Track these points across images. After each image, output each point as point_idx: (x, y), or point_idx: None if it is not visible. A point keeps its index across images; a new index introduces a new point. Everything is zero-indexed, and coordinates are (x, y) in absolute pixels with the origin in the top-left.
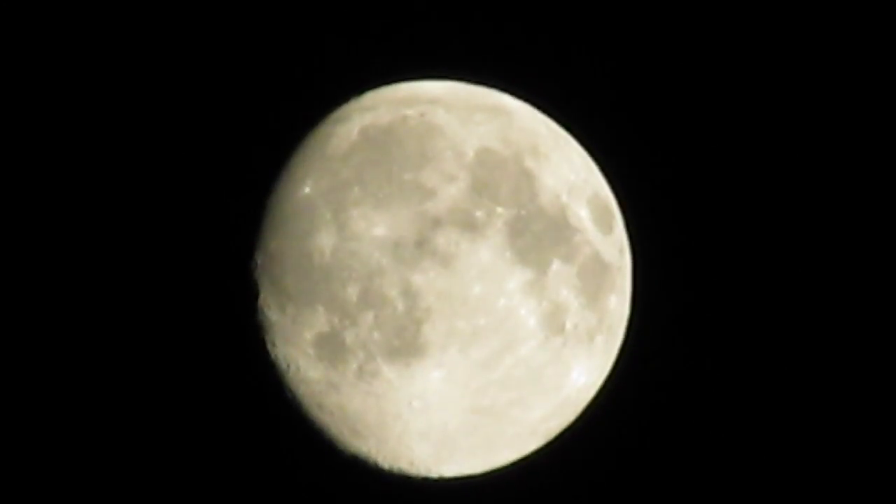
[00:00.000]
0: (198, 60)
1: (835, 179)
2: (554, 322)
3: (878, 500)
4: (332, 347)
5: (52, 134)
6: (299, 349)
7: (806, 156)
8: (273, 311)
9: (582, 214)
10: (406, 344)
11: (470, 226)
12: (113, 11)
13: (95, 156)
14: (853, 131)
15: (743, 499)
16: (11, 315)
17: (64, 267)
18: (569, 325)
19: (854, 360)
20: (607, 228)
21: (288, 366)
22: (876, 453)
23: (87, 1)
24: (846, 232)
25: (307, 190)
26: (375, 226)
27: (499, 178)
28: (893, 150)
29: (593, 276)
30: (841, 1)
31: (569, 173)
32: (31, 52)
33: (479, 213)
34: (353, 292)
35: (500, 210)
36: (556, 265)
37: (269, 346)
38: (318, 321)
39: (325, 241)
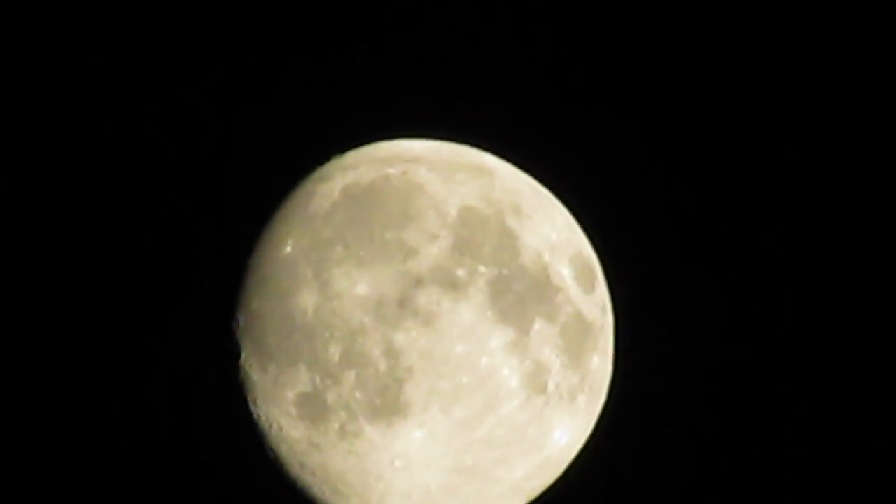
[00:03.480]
0: (180, 121)
1: (813, 228)
2: (536, 381)
3: None
4: (314, 407)
5: (40, 179)
6: (281, 409)
7: (788, 213)
8: (255, 371)
9: (564, 273)
10: (388, 403)
11: (452, 285)
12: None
13: (83, 221)
14: (838, 180)
15: None
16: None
17: (48, 324)
18: (551, 385)
19: (855, 402)
20: (589, 287)
21: (270, 425)
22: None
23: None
24: (835, 285)
25: (289, 249)
26: (357, 285)
27: (481, 237)
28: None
29: (575, 335)
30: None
31: (551, 232)
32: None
33: (461, 272)
34: (335, 352)
35: (482, 269)
36: (538, 324)
37: (251, 406)
38: (300, 381)
39: (307, 300)
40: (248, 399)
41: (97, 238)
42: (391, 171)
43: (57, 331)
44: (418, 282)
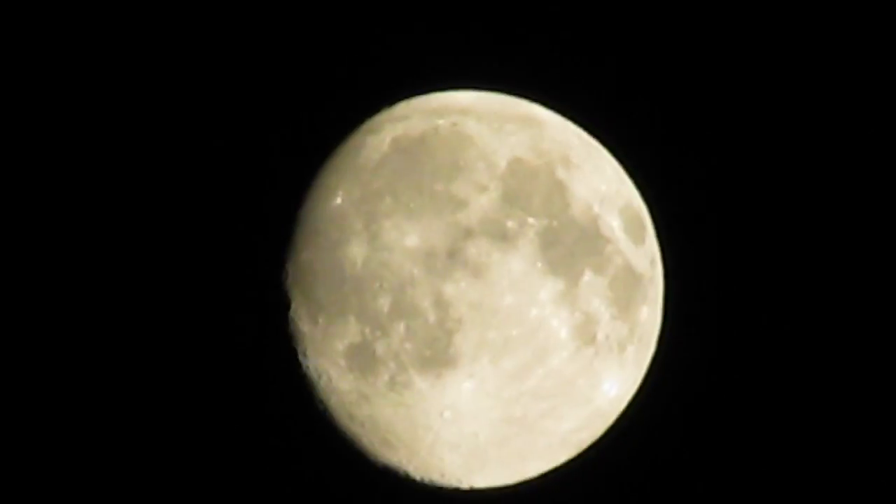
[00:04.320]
0: (233, 73)
1: (870, 183)
2: (585, 333)
3: None
4: (363, 358)
5: (85, 151)
6: (331, 360)
7: (842, 164)
8: (304, 322)
9: (613, 225)
10: (437, 354)
11: (502, 236)
12: (152, 22)
13: (127, 172)
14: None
15: None
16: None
17: (96, 281)
18: (600, 336)
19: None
20: (639, 239)
21: (319, 376)
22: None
23: (120, 11)
24: (884, 237)
25: (339, 200)
26: (407, 236)
27: (530, 188)
28: None
29: (625, 286)
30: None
31: (600, 184)
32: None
33: (510, 224)
34: (384, 303)
35: (531, 220)
36: (587, 276)
37: (300, 357)
38: (350, 332)
39: (356, 251)
40: (298, 350)
41: (151, 187)
42: (441, 122)
43: (109, 277)
44: (468, 233)
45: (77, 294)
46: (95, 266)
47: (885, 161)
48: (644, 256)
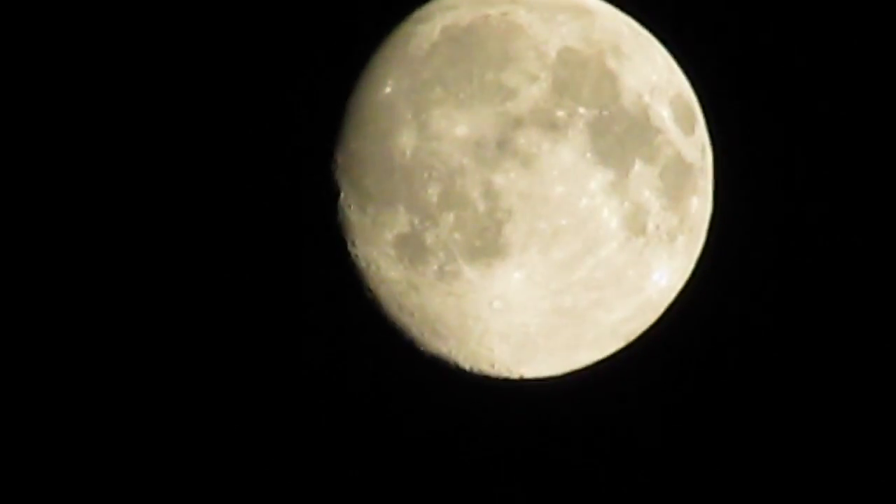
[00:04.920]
0: None
1: None
2: (635, 223)
3: None
4: (412, 248)
5: (111, 75)
6: (380, 249)
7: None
8: (353, 212)
9: (664, 115)
10: (487, 245)
11: (551, 126)
12: None
13: (167, 61)
14: None
15: (821, 421)
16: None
17: (146, 179)
18: (650, 226)
19: None
20: (689, 129)
21: (368, 266)
22: None
23: None
24: None
25: (388, 90)
26: (456, 126)
27: (581, 78)
28: None
29: (675, 176)
30: None
31: (651, 73)
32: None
33: (560, 114)
34: (433, 193)
35: (581, 110)
36: (637, 166)
37: (349, 246)
38: (399, 221)
39: (405, 141)
40: (347, 239)
41: (202, 79)
42: (491, 12)
43: (163, 180)
44: (518, 123)
45: (118, 216)
46: (134, 167)
47: None
48: (694, 146)
